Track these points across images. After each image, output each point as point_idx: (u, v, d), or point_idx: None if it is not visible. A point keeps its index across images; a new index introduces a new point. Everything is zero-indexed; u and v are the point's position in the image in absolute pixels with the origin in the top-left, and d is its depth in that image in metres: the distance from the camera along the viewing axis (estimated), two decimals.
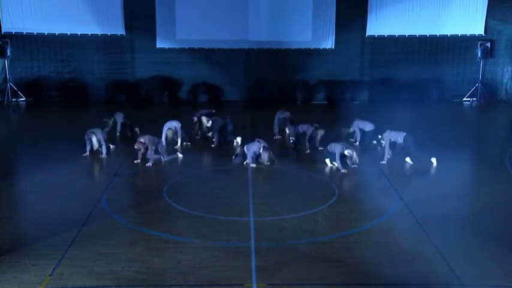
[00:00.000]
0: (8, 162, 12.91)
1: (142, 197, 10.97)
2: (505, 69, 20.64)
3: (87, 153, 13.24)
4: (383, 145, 13.30)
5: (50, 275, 7.61)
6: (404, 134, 12.77)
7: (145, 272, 7.75)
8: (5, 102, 19.62)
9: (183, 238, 8.83)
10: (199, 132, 15.05)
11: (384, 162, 12.77)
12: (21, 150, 14.07)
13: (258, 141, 12.70)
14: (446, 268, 7.93)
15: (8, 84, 19.70)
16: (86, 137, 13.21)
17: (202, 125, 14.89)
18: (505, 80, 20.75)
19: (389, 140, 12.88)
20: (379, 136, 13.90)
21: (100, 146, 13.24)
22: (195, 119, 15.05)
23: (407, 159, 12.89)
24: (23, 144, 14.53)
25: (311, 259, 8.16)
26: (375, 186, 11.69)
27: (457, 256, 8.25)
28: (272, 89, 20.22)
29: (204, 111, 15.22)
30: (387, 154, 12.84)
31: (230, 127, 14.56)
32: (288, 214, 9.80)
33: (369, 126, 14.29)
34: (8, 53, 19.30)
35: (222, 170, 12.75)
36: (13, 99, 19.84)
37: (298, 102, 20.37)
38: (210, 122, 14.55)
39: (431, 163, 12.71)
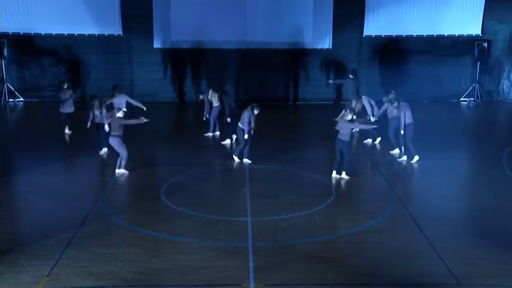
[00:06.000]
0: (5, 162, 12.86)
1: (140, 197, 10.95)
2: (502, 69, 20.68)
3: (89, 123, 13.42)
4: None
5: (47, 276, 7.60)
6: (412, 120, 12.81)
7: (143, 273, 7.74)
8: (2, 102, 19.58)
9: (181, 238, 8.82)
10: (205, 113, 15.16)
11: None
12: (18, 150, 14.03)
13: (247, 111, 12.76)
14: (444, 268, 7.94)
15: (5, 85, 19.65)
16: (92, 103, 13.38)
17: (210, 102, 14.90)
18: (502, 80, 20.79)
19: (404, 112, 12.90)
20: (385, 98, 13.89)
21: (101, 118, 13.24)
22: (201, 96, 15.25)
23: (396, 150, 13.14)
24: (20, 145, 14.50)
25: (309, 259, 8.17)
26: (372, 186, 11.71)
27: (454, 256, 8.27)
28: (269, 88, 20.22)
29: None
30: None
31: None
32: (286, 214, 9.80)
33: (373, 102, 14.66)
34: (5, 53, 19.26)
35: (220, 170, 12.75)
36: (10, 100, 19.79)
37: (299, 102, 20.41)
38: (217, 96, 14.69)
39: (418, 160, 12.81)
